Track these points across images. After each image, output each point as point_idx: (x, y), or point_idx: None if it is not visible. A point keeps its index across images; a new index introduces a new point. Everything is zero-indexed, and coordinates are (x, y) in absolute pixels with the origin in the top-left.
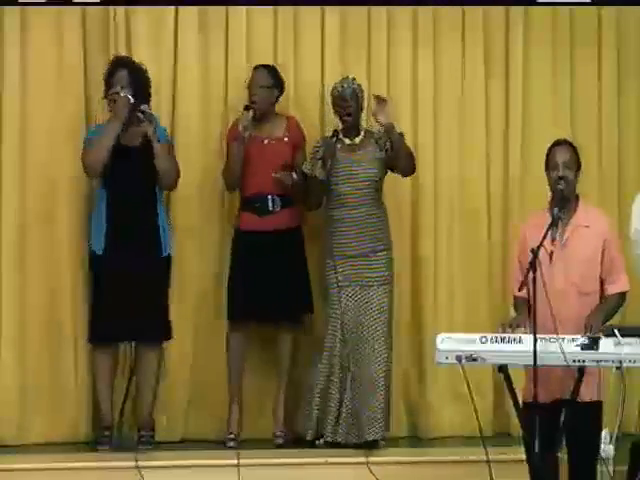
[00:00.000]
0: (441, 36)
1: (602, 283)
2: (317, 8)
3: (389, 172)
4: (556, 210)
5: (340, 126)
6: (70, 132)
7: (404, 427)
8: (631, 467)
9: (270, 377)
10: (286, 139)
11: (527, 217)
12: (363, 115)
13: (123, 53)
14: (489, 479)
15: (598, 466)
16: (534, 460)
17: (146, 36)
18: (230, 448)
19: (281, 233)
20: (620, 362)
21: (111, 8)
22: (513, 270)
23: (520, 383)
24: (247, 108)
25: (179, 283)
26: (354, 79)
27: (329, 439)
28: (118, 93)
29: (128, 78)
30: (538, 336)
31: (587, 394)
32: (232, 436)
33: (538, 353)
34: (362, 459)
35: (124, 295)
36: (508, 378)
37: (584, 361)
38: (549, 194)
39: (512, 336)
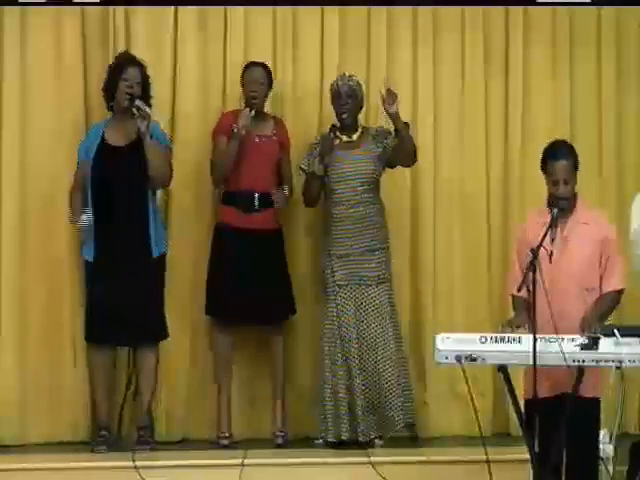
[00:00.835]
0: (441, 36)
1: (600, 281)
2: (317, 8)
3: (387, 170)
4: (555, 211)
5: (338, 123)
6: (70, 132)
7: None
8: (631, 467)
9: (268, 376)
10: (275, 137)
11: (526, 216)
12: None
13: None
14: (489, 479)
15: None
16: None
17: (146, 36)
18: (224, 447)
19: (267, 232)
20: (620, 362)
21: (111, 8)
22: (511, 269)
23: (519, 382)
24: (249, 107)
25: (179, 283)
26: (352, 76)
27: (345, 437)
28: (138, 107)
29: (139, 76)
30: (538, 336)
31: (587, 391)
32: (224, 434)
33: (538, 353)
34: (362, 459)
35: (117, 299)
36: (508, 378)
37: (584, 361)
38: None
39: (512, 336)
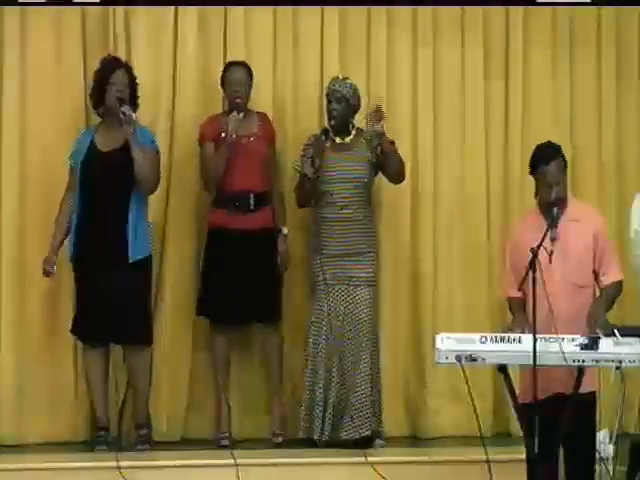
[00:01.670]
0: (441, 36)
1: (596, 276)
2: (317, 8)
3: (380, 174)
4: (556, 209)
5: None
6: (70, 132)
7: (404, 427)
8: (631, 467)
9: (266, 376)
10: (260, 134)
11: (518, 219)
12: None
13: (123, 53)
14: (489, 479)
15: (597, 466)
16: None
17: (146, 36)
18: (224, 447)
19: (262, 232)
20: (620, 362)
21: (111, 8)
22: (504, 273)
23: (519, 382)
24: (234, 108)
25: (179, 283)
26: (346, 79)
27: (316, 437)
28: (124, 112)
29: (126, 79)
30: (537, 336)
31: (583, 387)
32: (225, 435)
33: (538, 353)
34: (362, 459)
35: (94, 299)
36: (508, 378)
37: (584, 361)
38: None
39: (512, 336)
